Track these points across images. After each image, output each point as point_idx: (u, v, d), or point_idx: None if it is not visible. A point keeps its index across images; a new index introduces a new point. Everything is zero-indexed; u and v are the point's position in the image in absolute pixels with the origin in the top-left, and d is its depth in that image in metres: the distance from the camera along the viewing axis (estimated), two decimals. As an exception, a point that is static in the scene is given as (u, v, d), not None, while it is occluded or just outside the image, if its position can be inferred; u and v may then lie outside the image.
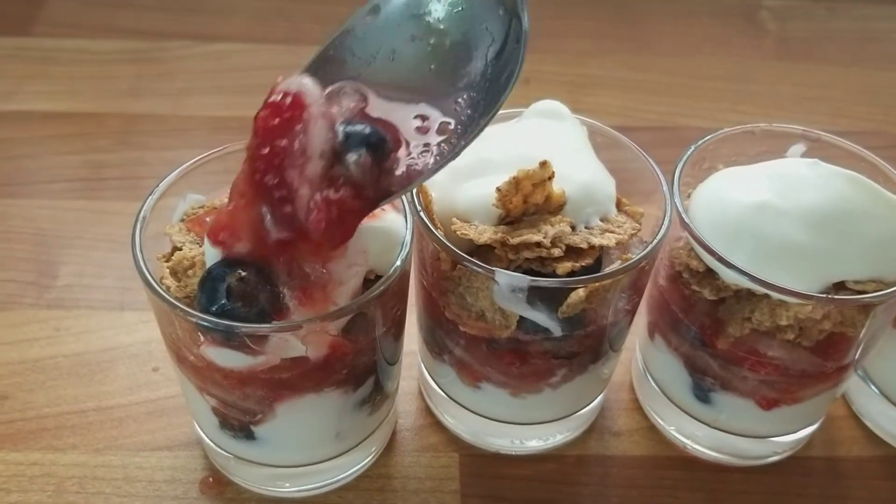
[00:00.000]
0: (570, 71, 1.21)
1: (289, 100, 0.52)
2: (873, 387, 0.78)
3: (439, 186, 0.65)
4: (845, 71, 1.24)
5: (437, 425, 0.77)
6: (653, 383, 0.77)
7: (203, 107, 1.10)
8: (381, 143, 0.53)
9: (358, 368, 0.62)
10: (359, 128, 0.53)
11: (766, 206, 0.63)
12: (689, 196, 0.69)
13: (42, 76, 1.13)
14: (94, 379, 0.79)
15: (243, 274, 0.54)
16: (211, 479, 0.72)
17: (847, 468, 0.76)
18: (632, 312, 0.68)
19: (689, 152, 0.70)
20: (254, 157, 0.53)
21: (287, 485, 0.71)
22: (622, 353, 0.74)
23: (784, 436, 0.74)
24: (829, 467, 0.76)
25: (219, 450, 0.69)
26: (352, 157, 0.52)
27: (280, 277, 0.56)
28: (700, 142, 0.71)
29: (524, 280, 0.59)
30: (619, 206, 0.68)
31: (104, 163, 1.02)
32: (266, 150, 0.52)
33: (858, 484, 0.75)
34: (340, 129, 0.53)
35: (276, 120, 0.52)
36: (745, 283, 0.62)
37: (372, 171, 0.52)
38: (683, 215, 0.65)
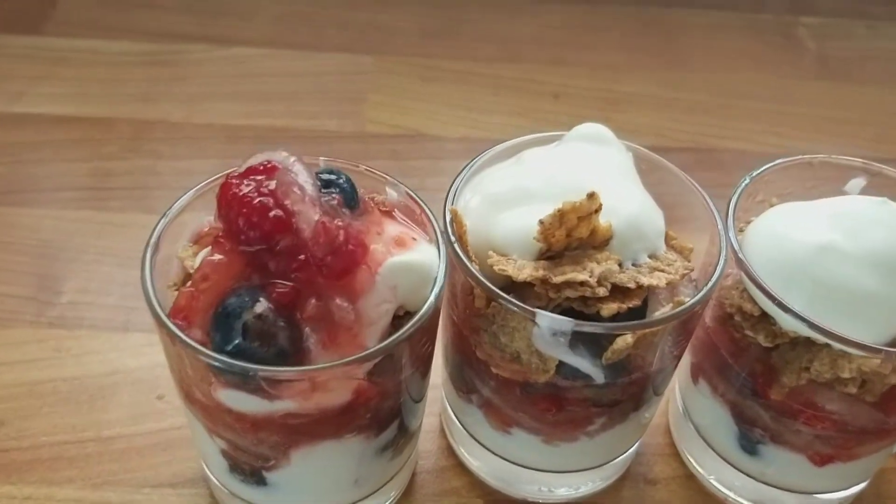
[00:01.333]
0: (600, 86, 1.16)
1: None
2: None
3: (475, 215, 0.60)
4: (887, 92, 1.19)
5: (460, 467, 0.72)
6: (693, 429, 0.71)
7: (219, 114, 1.05)
8: (352, 188, 0.56)
9: (382, 412, 0.57)
10: (334, 177, 0.57)
11: (830, 247, 0.58)
12: (741, 231, 0.64)
13: (52, 77, 1.08)
14: (94, 406, 0.74)
15: (260, 311, 0.50)
16: (217, 521, 0.67)
17: (899, 526, 0.71)
18: (679, 356, 0.63)
19: (744, 184, 0.65)
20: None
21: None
22: (660, 395, 0.69)
23: (833, 492, 0.69)
24: (881, 525, 0.71)
25: (227, 492, 0.64)
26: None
27: (304, 317, 0.51)
28: (755, 173, 0.66)
29: (568, 324, 0.54)
30: (666, 240, 0.63)
31: (112, 171, 0.97)
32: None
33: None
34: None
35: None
36: (804, 331, 0.57)
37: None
38: (739, 253, 0.60)
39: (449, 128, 1.07)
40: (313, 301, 0.51)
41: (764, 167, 0.66)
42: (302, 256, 0.51)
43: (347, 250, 0.52)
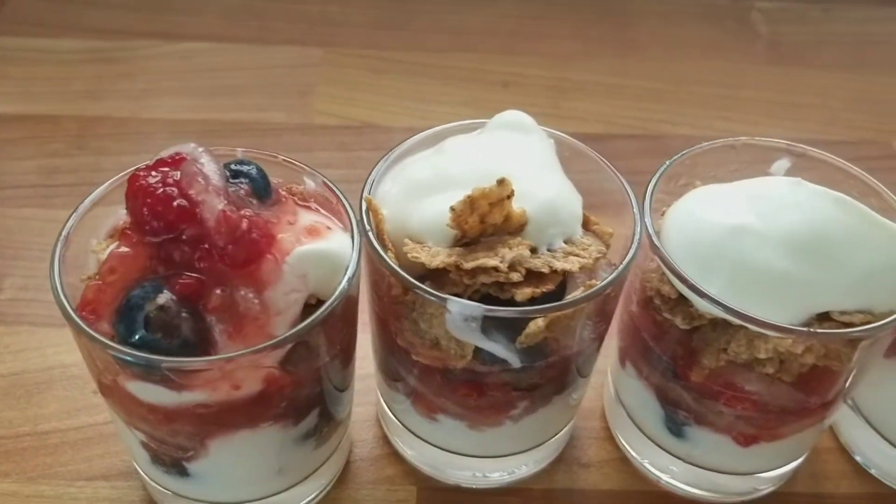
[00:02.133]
0: (552, 75, 1.16)
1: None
2: (862, 418, 0.73)
3: (393, 203, 0.60)
4: (840, 76, 1.19)
5: (395, 456, 0.73)
6: (624, 412, 0.72)
7: (165, 109, 1.05)
8: (263, 178, 0.57)
9: (299, 401, 0.58)
10: (244, 167, 0.57)
11: (745, 229, 0.58)
12: (662, 215, 0.64)
13: (-1, 77, 1.08)
14: (30, 401, 0.74)
15: (163, 302, 0.50)
16: (149, 513, 0.67)
17: (833, 506, 0.71)
18: (599, 339, 0.63)
19: (662, 168, 0.65)
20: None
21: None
22: (594, 377, 0.69)
23: (766, 472, 0.70)
24: (815, 504, 0.72)
25: (153, 484, 0.64)
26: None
27: (208, 308, 0.51)
28: (676, 157, 0.66)
29: (478, 309, 0.54)
30: (587, 225, 0.63)
31: (57, 168, 0.97)
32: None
33: (844, 525, 0.70)
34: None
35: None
36: (720, 314, 0.57)
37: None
38: (654, 237, 0.60)
39: (397, 119, 1.07)
40: (218, 292, 0.51)
41: (685, 151, 0.66)
42: (205, 246, 0.51)
43: (250, 239, 0.52)
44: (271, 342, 0.51)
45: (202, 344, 0.51)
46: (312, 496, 0.68)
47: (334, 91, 1.10)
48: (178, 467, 0.59)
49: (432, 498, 0.70)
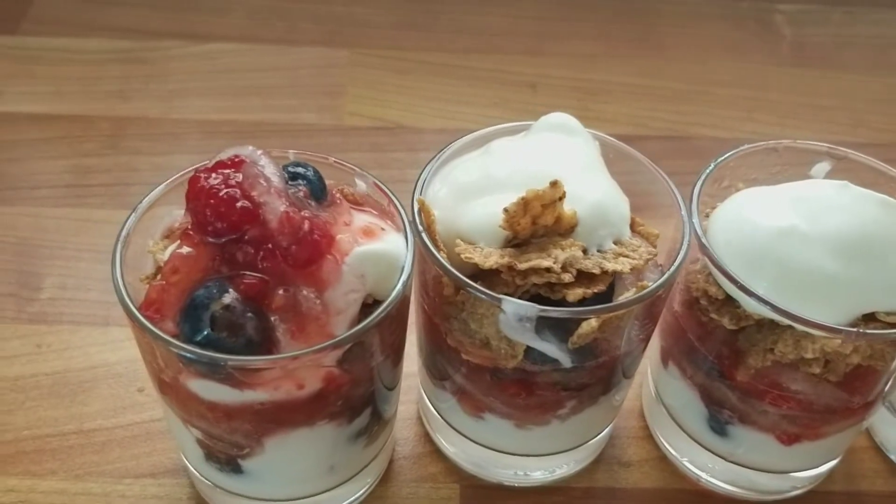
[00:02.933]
0: (578, 76, 1.16)
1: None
2: (898, 418, 0.74)
3: (443, 205, 0.61)
4: (864, 78, 1.19)
5: (437, 454, 0.73)
6: (665, 412, 0.73)
7: (195, 110, 1.05)
8: (319, 180, 0.58)
9: (354, 399, 0.58)
10: (301, 170, 0.58)
11: (792, 230, 0.59)
12: (706, 216, 0.65)
13: (28, 76, 1.09)
14: (75, 399, 0.75)
15: (228, 302, 0.50)
16: (197, 511, 0.68)
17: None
18: (646, 340, 0.64)
19: (708, 170, 0.66)
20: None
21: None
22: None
23: (805, 471, 0.70)
24: (851, 502, 0.72)
25: (205, 481, 0.65)
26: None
27: (271, 307, 0.52)
28: (720, 159, 0.67)
29: (533, 309, 0.55)
30: (633, 226, 0.64)
31: (91, 168, 0.97)
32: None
33: (882, 521, 0.71)
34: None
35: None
36: (768, 314, 0.58)
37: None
38: (703, 238, 0.61)
39: (426, 120, 1.07)
40: (281, 291, 0.52)
41: (728, 153, 0.67)
42: (268, 246, 0.52)
43: (312, 240, 0.53)
44: (332, 341, 0.52)
45: (265, 343, 0.52)
46: (359, 494, 0.69)
47: (363, 92, 1.10)
48: (232, 464, 0.60)
49: (475, 495, 0.70)
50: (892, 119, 1.12)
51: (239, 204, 0.52)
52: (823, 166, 0.69)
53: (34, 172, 0.96)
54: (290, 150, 0.62)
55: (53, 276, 0.85)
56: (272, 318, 0.52)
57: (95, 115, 1.04)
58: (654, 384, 0.74)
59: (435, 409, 0.71)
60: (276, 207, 0.53)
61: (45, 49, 1.13)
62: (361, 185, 0.63)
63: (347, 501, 0.68)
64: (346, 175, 0.63)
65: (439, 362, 0.65)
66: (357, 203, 0.62)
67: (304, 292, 0.53)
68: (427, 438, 0.74)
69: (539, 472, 0.72)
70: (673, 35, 1.25)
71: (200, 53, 1.15)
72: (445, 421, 0.70)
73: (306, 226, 0.53)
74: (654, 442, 0.75)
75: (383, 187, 0.62)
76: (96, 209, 0.92)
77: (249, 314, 0.51)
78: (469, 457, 0.72)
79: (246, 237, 0.52)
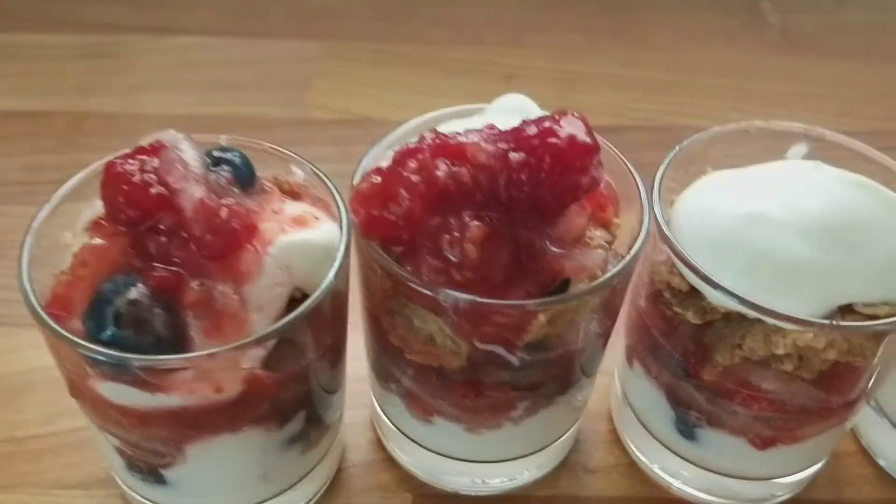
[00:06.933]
0: (558, 67, 1.12)
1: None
2: (886, 420, 0.69)
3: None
4: (854, 66, 1.14)
5: (390, 461, 0.69)
6: (632, 414, 0.68)
7: (157, 105, 1.01)
8: (247, 166, 0.53)
9: (284, 403, 0.54)
10: (227, 154, 0.53)
11: (761, 215, 0.54)
12: (672, 204, 0.60)
13: (-8, 73, 1.05)
14: (11, 405, 0.71)
15: (135, 296, 0.46)
16: (131, 523, 0.64)
17: (856, 514, 0.67)
18: (605, 336, 0.60)
19: (672, 154, 0.61)
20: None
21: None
22: (600, 378, 0.65)
23: (784, 477, 0.65)
24: (835, 512, 0.67)
25: (131, 492, 0.61)
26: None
27: (184, 303, 0.48)
28: (685, 142, 0.62)
29: (472, 302, 0.50)
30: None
31: (45, 165, 0.93)
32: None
33: (869, 532, 0.66)
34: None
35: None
36: (735, 306, 0.53)
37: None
38: (663, 226, 0.56)
39: (398, 113, 1.01)
40: (195, 286, 0.48)
41: (695, 136, 0.63)
42: (183, 236, 0.48)
43: (229, 228, 0.49)
44: (250, 339, 0.48)
45: (177, 342, 0.48)
46: (302, 504, 0.64)
47: (332, 85, 1.06)
48: (154, 474, 0.56)
49: (429, 506, 0.66)
50: (881, 107, 1.06)
51: (153, 190, 0.49)
52: (800, 149, 0.64)
53: (-12, 170, 0.92)
54: (222, 136, 0.58)
55: (-2, 276, 0.81)
56: (185, 315, 0.48)
57: (55, 111, 1.00)
58: (620, 385, 0.70)
59: (384, 414, 0.66)
60: (192, 194, 0.49)
61: (11, 45, 1.10)
62: (298, 173, 0.58)
63: (289, 513, 0.64)
64: (284, 162, 0.59)
65: (385, 363, 0.61)
66: (294, 193, 0.57)
67: (221, 286, 0.49)
68: (380, 445, 0.70)
69: (497, 479, 0.67)
70: (656, 24, 1.21)
71: (168, 47, 1.11)
72: (395, 426, 0.66)
73: (223, 213, 0.49)
74: (623, 447, 0.70)
75: (320, 174, 0.58)
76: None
77: (159, 310, 0.47)
78: (422, 464, 0.67)
79: (161, 226, 0.49)
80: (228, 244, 0.48)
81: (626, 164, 0.60)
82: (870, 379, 0.58)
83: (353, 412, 0.70)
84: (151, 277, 0.48)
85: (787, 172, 0.57)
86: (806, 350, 0.53)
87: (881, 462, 0.70)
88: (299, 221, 0.53)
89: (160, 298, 0.47)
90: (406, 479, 0.67)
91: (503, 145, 0.51)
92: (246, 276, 0.49)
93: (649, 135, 1.00)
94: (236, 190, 0.52)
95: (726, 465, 0.64)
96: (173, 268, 0.48)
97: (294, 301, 0.52)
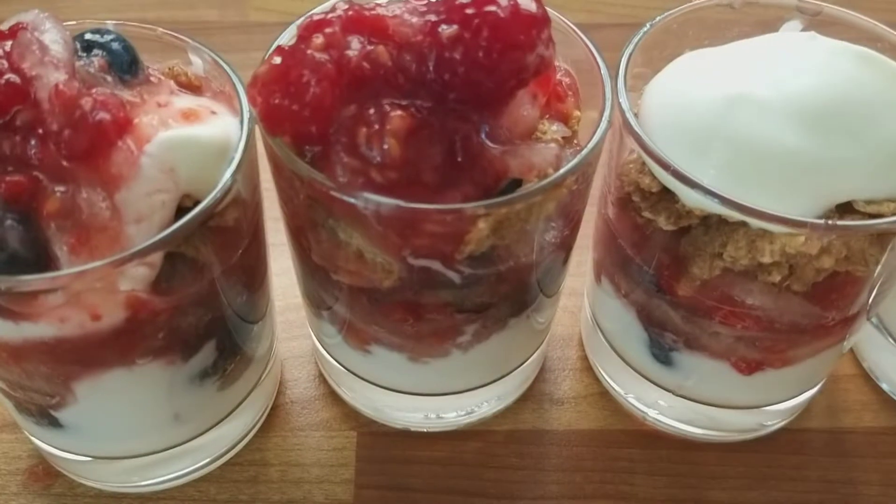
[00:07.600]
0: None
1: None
2: (890, 338, 0.62)
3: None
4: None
5: (332, 396, 0.62)
6: (603, 338, 0.60)
7: (83, 10, 0.92)
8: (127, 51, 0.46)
9: (183, 332, 0.46)
10: (102, 38, 0.46)
11: (744, 98, 0.46)
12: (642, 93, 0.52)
13: None
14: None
15: (-20, 209, 0.38)
16: (40, 469, 0.57)
17: (855, 443, 0.61)
18: (565, 248, 0.52)
19: (640, 34, 0.52)
20: None
21: (135, 478, 0.55)
22: (570, 300, 0.57)
23: (773, 405, 0.58)
24: (832, 442, 0.61)
25: (32, 438, 0.54)
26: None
27: (43, 213, 0.40)
28: (658, 18, 0.53)
29: (393, 206, 0.42)
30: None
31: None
32: None
33: (869, 464, 0.60)
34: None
35: None
36: (714, 208, 0.46)
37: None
38: (628, 115, 0.48)
39: (349, 14, 0.93)
40: (56, 192, 0.40)
41: (667, 12, 0.53)
42: (40, 133, 0.40)
43: (93, 122, 0.40)
44: (125, 253, 0.40)
45: (38, 260, 0.40)
46: (228, 446, 0.57)
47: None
48: (47, 417, 0.49)
49: (375, 444, 0.59)
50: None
51: (4, 78, 0.40)
52: (794, 25, 0.55)
53: None
54: (109, 21, 0.49)
55: None
56: (46, 228, 0.40)
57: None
58: (590, 306, 0.62)
59: (321, 345, 0.59)
60: (48, 81, 0.40)
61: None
62: (196, 62, 0.50)
63: (214, 455, 0.56)
64: (180, 51, 0.50)
65: (313, 287, 0.53)
66: (193, 86, 0.49)
67: (88, 193, 0.40)
68: (322, 380, 0.63)
69: (453, 413, 0.60)
70: None
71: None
72: (334, 358, 0.58)
73: (86, 103, 0.40)
74: (594, 375, 0.63)
75: (220, 62, 0.49)
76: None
77: (12, 222, 0.40)
78: (369, 400, 0.60)
79: (15, 122, 0.40)
80: (94, 141, 0.40)
81: (588, 47, 0.51)
82: (871, 291, 0.50)
83: (293, 343, 0.63)
84: (3, 183, 0.40)
85: (775, 46, 0.49)
86: (797, 257, 0.46)
87: (884, 386, 0.63)
88: (189, 116, 0.45)
89: (14, 208, 0.40)
90: (350, 416, 0.61)
91: (432, 17, 0.42)
92: (118, 180, 0.41)
93: (627, 31, 0.90)
94: (109, 79, 0.43)
95: (708, 393, 0.57)
96: (30, 171, 0.40)
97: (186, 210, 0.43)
